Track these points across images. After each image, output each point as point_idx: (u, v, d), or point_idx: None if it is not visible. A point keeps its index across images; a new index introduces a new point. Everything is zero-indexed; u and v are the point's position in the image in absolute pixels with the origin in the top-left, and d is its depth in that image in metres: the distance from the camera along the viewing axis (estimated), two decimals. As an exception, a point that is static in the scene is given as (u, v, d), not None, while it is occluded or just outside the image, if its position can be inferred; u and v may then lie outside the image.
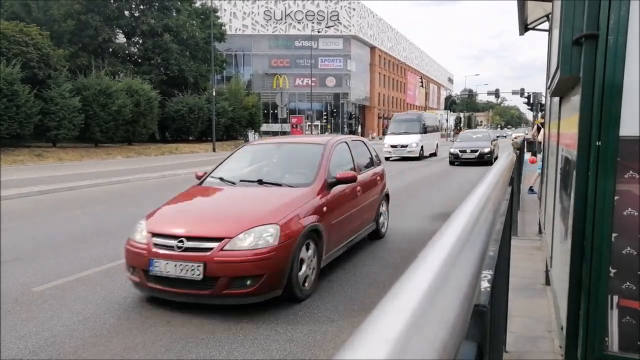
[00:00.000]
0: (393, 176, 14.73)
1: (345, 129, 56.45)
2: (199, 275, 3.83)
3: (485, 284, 1.01)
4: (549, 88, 3.90)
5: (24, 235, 6.91)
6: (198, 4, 37.47)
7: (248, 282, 3.87)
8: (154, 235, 4.15)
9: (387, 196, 6.92)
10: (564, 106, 3.26)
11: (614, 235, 2.01)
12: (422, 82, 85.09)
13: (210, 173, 5.54)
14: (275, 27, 58.35)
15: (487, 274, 1.05)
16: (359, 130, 55.11)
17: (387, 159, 22.98)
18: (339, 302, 4.32)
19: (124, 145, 27.41)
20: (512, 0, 5.92)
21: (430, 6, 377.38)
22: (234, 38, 51.28)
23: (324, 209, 4.68)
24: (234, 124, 35.52)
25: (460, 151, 19.93)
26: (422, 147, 23.53)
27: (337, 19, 58.06)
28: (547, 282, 4.23)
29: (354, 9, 59.02)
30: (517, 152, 5.67)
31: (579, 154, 2.09)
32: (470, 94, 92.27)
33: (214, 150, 29.22)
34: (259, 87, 54.69)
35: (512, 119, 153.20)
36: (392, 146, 23.40)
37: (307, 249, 4.38)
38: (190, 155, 27.02)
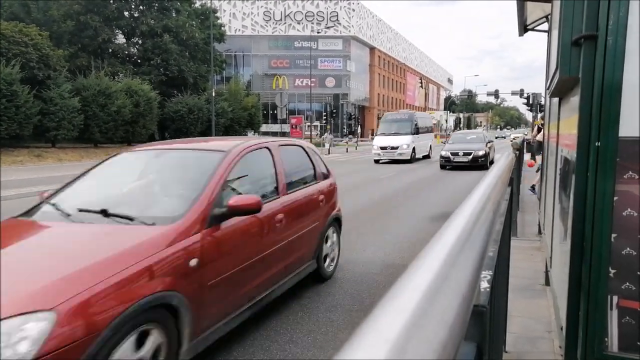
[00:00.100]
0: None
1: (345, 130, 56.48)
2: None
3: (484, 284, 1.01)
4: (548, 89, 3.90)
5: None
6: (197, 5, 37.50)
7: None
8: None
9: (337, 221, 5.30)
10: (564, 107, 3.26)
11: (613, 235, 2.02)
12: (421, 82, 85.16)
13: (52, 196, 3.71)
14: (274, 27, 58.41)
15: (487, 274, 1.06)
16: (359, 130, 55.11)
17: (376, 161, 21.92)
18: (339, 302, 4.32)
19: (123, 146, 27.37)
20: (512, 1, 5.92)
21: (429, 6, 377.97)
22: (234, 39, 51.31)
23: (193, 262, 2.89)
24: (233, 125, 35.49)
25: (452, 154, 18.09)
26: (413, 148, 22.11)
27: (337, 19, 58.12)
28: (547, 282, 4.23)
29: (353, 10, 59.08)
30: (517, 152, 5.67)
31: (578, 155, 2.09)
32: (470, 95, 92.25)
33: (213, 150, 29.13)
34: (259, 87, 54.71)
35: (511, 120, 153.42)
36: (382, 148, 21.92)
37: (139, 347, 2.48)
38: (189, 155, 26.94)
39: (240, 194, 3.54)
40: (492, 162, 17.50)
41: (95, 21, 30.30)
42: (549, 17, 5.08)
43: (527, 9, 6.16)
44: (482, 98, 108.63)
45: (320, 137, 42.44)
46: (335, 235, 5.24)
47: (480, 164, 17.44)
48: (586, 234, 2.07)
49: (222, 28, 40.26)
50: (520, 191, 8.57)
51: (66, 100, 22.91)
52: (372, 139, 31.09)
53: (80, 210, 3.26)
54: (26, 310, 2.10)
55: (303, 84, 54.26)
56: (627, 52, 1.93)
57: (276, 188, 4.14)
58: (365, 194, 11.52)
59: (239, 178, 3.69)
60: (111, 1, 32.38)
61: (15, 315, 2.07)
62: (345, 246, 6.33)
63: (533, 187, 10.35)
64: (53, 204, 3.51)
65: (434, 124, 42.22)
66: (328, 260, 5.02)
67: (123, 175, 4.11)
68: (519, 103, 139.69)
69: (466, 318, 0.45)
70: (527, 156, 12.80)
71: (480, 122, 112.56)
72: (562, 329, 2.38)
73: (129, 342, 2.41)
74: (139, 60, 34.98)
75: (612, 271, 2.03)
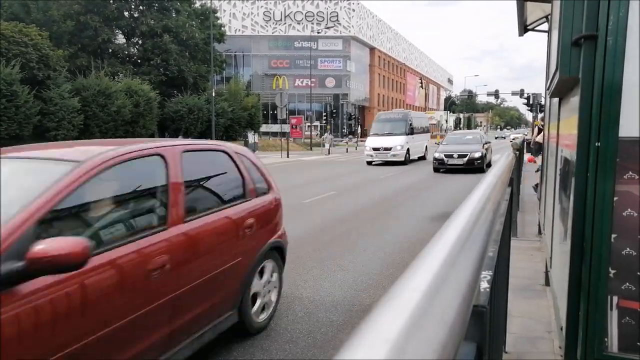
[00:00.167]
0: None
1: (345, 130, 56.49)
2: None
3: (484, 285, 1.01)
4: (548, 89, 3.90)
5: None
6: (197, 5, 37.52)
7: None
8: None
9: (278, 250, 3.99)
10: (564, 107, 3.26)
11: (613, 236, 2.02)
12: (421, 82, 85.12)
13: None
14: (274, 27, 58.41)
15: (487, 274, 1.06)
16: (359, 130, 55.11)
17: (369, 163, 20.82)
18: (339, 302, 4.32)
19: (123, 146, 27.38)
20: (512, 1, 5.92)
21: (429, 7, 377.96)
22: (234, 39, 51.31)
23: None
24: (233, 125, 35.50)
25: (446, 156, 16.83)
26: (408, 149, 20.93)
27: (337, 19, 58.11)
28: (547, 282, 4.23)
29: (353, 10, 59.07)
30: (517, 152, 5.67)
31: (578, 155, 2.09)
32: (470, 95, 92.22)
33: (213, 150, 29.14)
34: (259, 87, 54.70)
35: (511, 120, 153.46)
36: (374, 149, 20.78)
37: None
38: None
39: (79, 233, 2.35)
40: (489, 165, 16.63)
41: (95, 21, 30.33)
42: (549, 17, 5.08)
43: (527, 9, 6.16)
44: (482, 98, 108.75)
45: (320, 137, 42.46)
46: (274, 271, 3.90)
47: (477, 166, 16.35)
48: (586, 234, 2.07)
49: (222, 28, 40.28)
50: (520, 191, 8.57)
51: (66, 101, 22.93)
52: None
53: None
54: None
55: (303, 84, 54.25)
56: (627, 52, 1.93)
57: (164, 216, 2.82)
58: (365, 194, 11.51)
59: (89, 204, 2.53)
60: (111, 1, 32.42)
61: None
62: (346, 246, 6.32)
63: (537, 186, 10.34)
64: None
65: (434, 124, 41.77)
66: (258, 304, 3.64)
67: None
68: (519, 103, 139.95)
69: (466, 318, 0.45)
70: (527, 156, 12.80)
71: (481, 122, 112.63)
72: (562, 329, 2.38)
73: None
74: (138, 61, 35.01)
75: (612, 271, 2.03)
